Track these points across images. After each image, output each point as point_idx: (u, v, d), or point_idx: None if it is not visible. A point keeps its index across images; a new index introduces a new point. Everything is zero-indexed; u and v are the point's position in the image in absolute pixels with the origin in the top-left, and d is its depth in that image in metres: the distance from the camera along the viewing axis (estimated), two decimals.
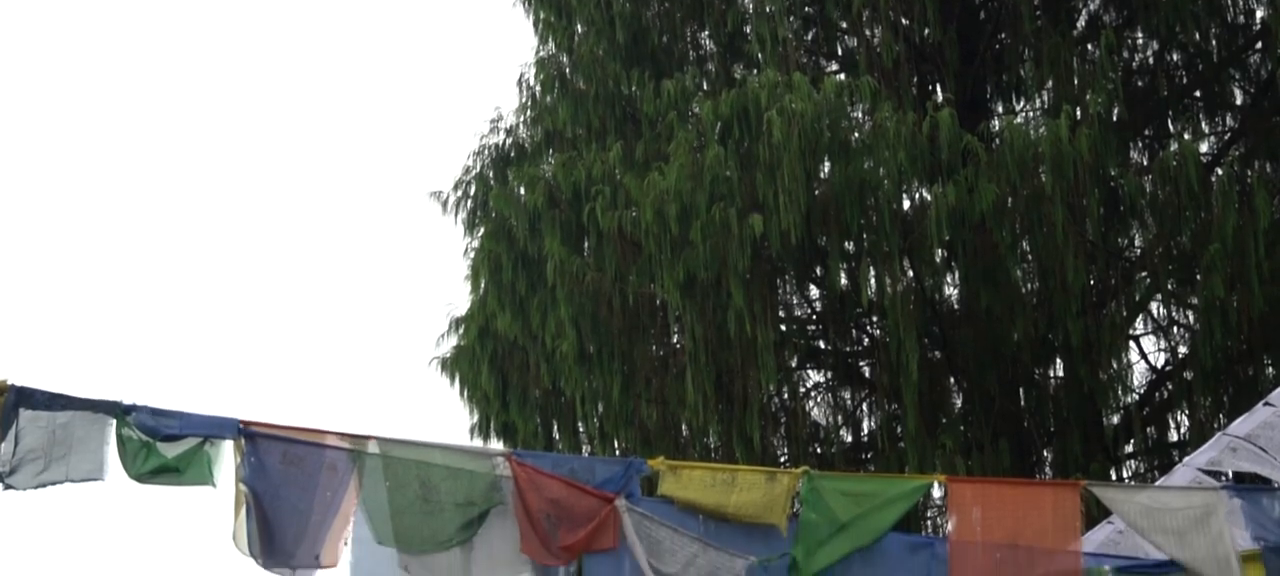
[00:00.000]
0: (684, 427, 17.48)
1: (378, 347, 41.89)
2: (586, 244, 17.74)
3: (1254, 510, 9.58)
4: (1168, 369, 17.99)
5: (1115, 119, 16.55)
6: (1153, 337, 18.28)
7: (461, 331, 19.68)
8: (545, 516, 9.07)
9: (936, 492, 13.15)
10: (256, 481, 8.69)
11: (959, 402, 17.59)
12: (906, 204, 16.77)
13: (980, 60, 18.08)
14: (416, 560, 9.01)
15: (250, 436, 8.74)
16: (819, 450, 18.06)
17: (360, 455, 8.95)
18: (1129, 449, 17.76)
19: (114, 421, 8.58)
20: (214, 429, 8.74)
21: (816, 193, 16.17)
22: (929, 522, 16.71)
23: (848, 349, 18.61)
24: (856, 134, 16.42)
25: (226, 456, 8.75)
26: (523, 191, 18.27)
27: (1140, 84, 18.28)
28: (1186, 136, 17.50)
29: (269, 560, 8.67)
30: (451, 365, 19.58)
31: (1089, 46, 17.87)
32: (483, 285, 19.01)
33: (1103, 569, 9.59)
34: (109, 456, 8.55)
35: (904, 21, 17.90)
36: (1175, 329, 18.03)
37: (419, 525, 8.98)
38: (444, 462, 9.11)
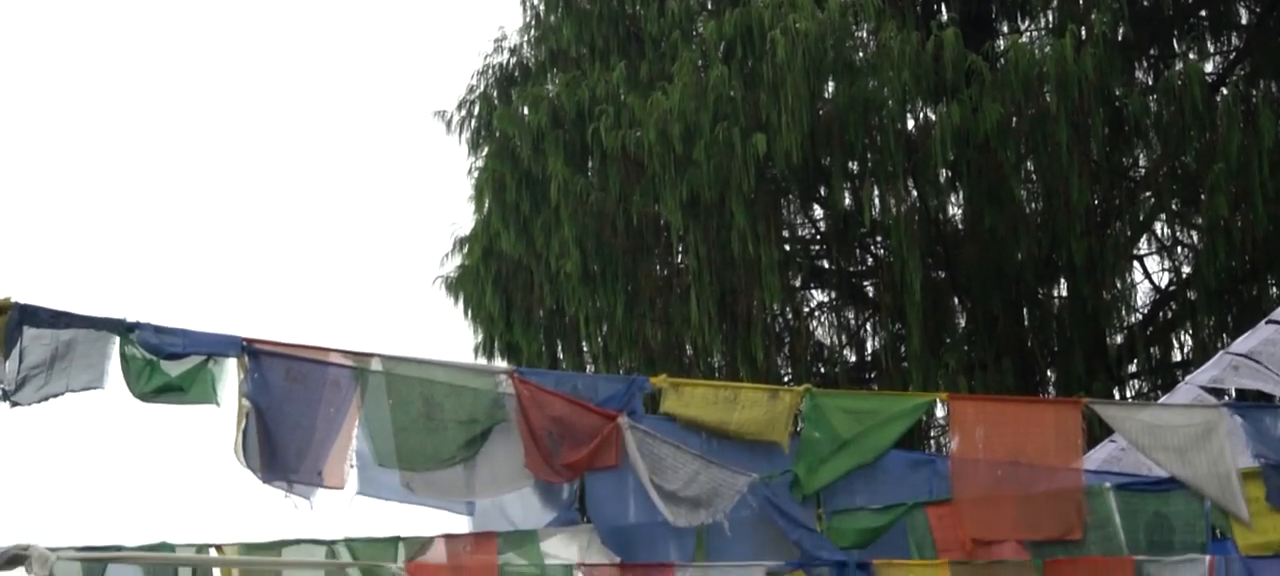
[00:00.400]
0: (688, 347, 17.53)
1: (382, 267, 41.94)
2: (590, 164, 17.73)
3: (1255, 427, 9.60)
4: (1171, 288, 18.02)
5: (1120, 38, 16.50)
6: (1156, 257, 18.32)
7: (465, 251, 19.70)
8: (548, 434, 9.07)
9: (939, 411, 13.18)
10: (259, 397, 8.66)
11: (962, 322, 17.62)
12: (910, 123, 16.76)
13: None
14: (419, 477, 9.01)
15: (254, 354, 8.71)
16: (822, 370, 18.12)
17: (363, 372, 8.93)
18: (1132, 368, 17.82)
19: (117, 339, 8.56)
20: (217, 347, 8.70)
21: (820, 112, 16.16)
22: (932, 442, 16.77)
23: (851, 269, 18.63)
24: (860, 53, 16.41)
25: (230, 374, 8.71)
26: (526, 111, 18.26)
27: (1145, 3, 18.16)
28: (1191, 56, 17.46)
29: (269, 474, 8.64)
30: (455, 285, 19.62)
31: None
32: (486, 205, 19.01)
33: (1104, 486, 9.59)
34: (111, 369, 8.53)
35: None
36: (1179, 248, 18.06)
37: (422, 442, 8.98)
38: (447, 380, 9.09)
